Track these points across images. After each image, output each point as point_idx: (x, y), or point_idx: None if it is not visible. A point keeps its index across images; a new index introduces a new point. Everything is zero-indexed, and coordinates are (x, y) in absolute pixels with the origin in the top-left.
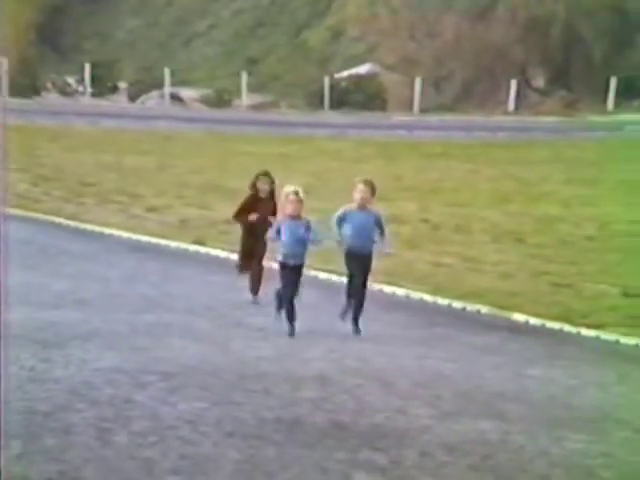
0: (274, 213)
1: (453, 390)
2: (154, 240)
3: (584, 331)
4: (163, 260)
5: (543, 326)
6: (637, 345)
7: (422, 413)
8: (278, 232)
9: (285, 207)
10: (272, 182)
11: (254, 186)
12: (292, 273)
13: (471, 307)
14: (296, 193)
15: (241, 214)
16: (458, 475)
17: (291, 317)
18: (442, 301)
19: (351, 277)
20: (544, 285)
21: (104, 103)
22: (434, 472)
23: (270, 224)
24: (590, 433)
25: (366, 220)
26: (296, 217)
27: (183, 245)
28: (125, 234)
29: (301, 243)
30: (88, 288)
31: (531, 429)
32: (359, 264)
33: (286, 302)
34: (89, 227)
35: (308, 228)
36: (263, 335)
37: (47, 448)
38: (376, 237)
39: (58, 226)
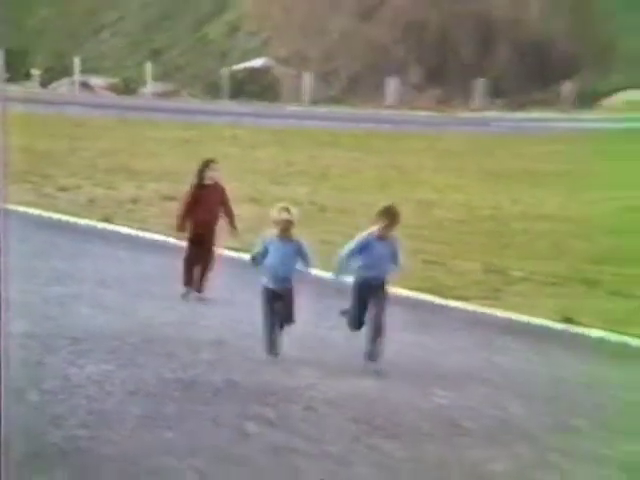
0: (222, 202)
1: (337, 354)
2: (64, 218)
3: (452, 303)
4: (73, 237)
5: (416, 298)
6: (497, 315)
7: (307, 373)
8: (264, 254)
9: (274, 225)
10: (213, 165)
11: (200, 174)
12: (275, 298)
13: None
14: (287, 211)
15: (187, 212)
16: (338, 426)
17: (272, 348)
18: (328, 275)
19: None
20: (419, 262)
21: (17, 89)
22: (317, 424)
23: (216, 218)
24: (455, 390)
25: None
26: (286, 238)
27: (92, 223)
28: (36, 211)
29: (289, 265)
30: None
31: (405, 387)
32: (373, 292)
33: (268, 331)
34: (6, 205)
35: (299, 248)
36: (167, 304)
37: None
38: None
39: None
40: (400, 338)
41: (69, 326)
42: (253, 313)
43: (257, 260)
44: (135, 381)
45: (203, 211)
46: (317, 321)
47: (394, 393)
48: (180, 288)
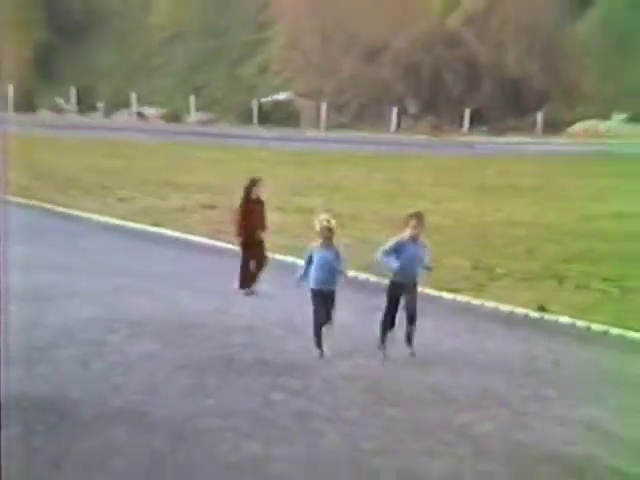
0: (263, 216)
1: (349, 336)
2: (122, 223)
3: (445, 294)
4: (128, 238)
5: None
6: (483, 305)
7: (326, 353)
8: (309, 261)
9: (318, 233)
10: (259, 185)
11: (248, 191)
12: (323, 300)
13: (364, 276)
14: (328, 221)
15: (243, 224)
16: (351, 395)
17: (319, 343)
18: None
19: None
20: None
21: (85, 119)
22: (333, 393)
23: (263, 227)
24: (448, 367)
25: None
26: (328, 245)
27: (144, 227)
28: (101, 218)
29: (331, 270)
30: (70, 257)
31: (406, 366)
32: (407, 293)
33: (316, 327)
34: (74, 212)
35: (337, 255)
36: (207, 296)
37: (41, 374)
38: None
39: (50, 211)
40: (398, 326)
41: (126, 312)
42: (278, 304)
43: (304, 270)
44: (180, 358)
45: (252, 221)
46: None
47: (397, 370)
48: (218, 282)
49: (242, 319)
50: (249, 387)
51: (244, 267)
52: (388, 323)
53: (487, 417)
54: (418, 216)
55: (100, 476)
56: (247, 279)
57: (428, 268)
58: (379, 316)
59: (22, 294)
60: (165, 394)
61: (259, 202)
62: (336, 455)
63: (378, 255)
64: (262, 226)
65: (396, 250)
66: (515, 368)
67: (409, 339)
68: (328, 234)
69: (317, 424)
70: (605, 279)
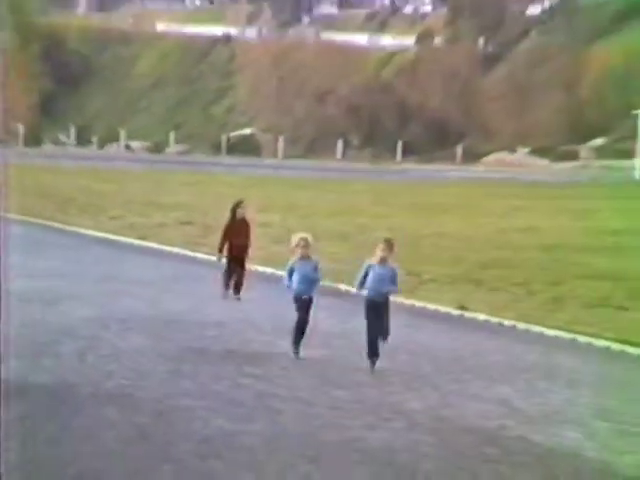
0: (248, 233)
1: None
2: (113, 237)
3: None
4: (118, 250)
5: (357, 293)
6: (414, 304)
7: (283, 344)
8: (290, 274)
9: (295, 251)
10: (242, 205)
11: (233, 212)
12: (303, 305)
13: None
14: (305, 240)
15: (225, 239)
16: (302, 378)
17: (297, 341)
18: (268, 269)
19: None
20: (358, 267)
21: (82, 150)
22: (288, 378)
23: (247, 246)
24: (385, 355)
25: (387, 272)
26: (306, 258)
27: (131, 240)
28: (95, 232)
29: (310, 280)
30: (69, 266)
31: (351, 354)
32: (377, 310)
33: (297, 329)
34: (72, 228)
35: (316, 268)
36: (182, 298)
37: (43, 366)
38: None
39: (50, 227)
40: (344, 322)
41: (116, 311)
42: (242, 305)
43: (288, 281)
44: (161, 349)
45: (236, 238)
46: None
47: (343, 359)
48: (193, 286)
49: (213, 317)
50: (218, 373)
51: (226, 275)
52: (370, 338)
53: (418, 397)
54: (388, 242)
55: (94, 447)
56: (229, 286)
57: (392, 290)
58: (326, 313)
59: (27, 297)
60: (148, 379)
61: (244, 221)
62: (291, 430)
63: (355, 288)
64: (246, 243)
65: (366, 273)
66: (440, 356)
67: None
68: (305, 250)
69: (275, 403)
70: (514, 283)
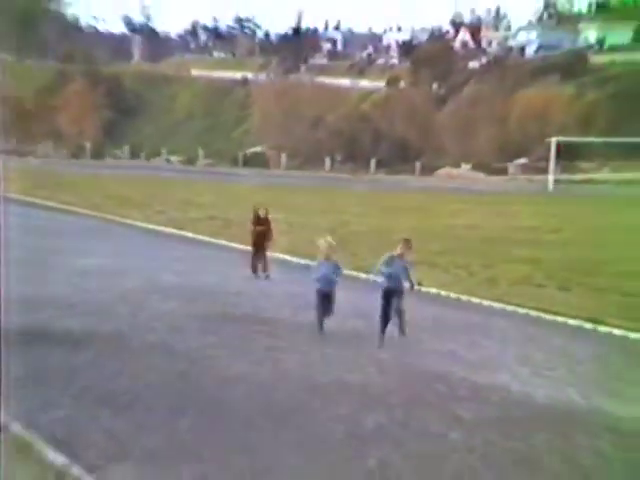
0: (269, 227)
1: (295, 301)
2: (158, 227)
3: (362, 275)
4: (161, 237)
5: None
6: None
7: (286, 311)
8: (317, 270)
9: (321, 252)
10: (266, 210)
11: (256, 212)
12: (324, 298)
13: (293, 259)
14: (329, 243)
15: (253, 232)
16: (300, 337)
17: (321, 327)
18: (276, 254)
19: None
20: (340, 253)
21: (135, 163)
22: (289, 333)
23: (268, 236)
24: (340, 315)
25: (401, 266)
26: (328, 259)
27: (171, 230)
28: (143, 224)
29: (329, 280)
30: (124, 249)
31: (335, 318)
32: (394, 295)
33: (319, 317)
34: (126, 221)
35: (337, 267)
36: (210, 274)
37: (106, 321)
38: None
39: (112, 220)
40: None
41: (159, 283)
42: (260, 283)
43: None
44: (193, 312)
45: (259, 231)
46: (293, 285)
47: (333, 321)
48: (218, 266)
49: (233, 289)
50: (236, 331)
51: (254, 259)
52: (384, 319)
53: (387, 350)
54: (407, 241)
55: (142, 382)
56: (255, 268)
57: (411, 283)
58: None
59: (94, 271)
60: (183, 334)
61: (266, 220)
62: (291, 373)
63: (375, 269)
64: (268, 237)
65: (387, 263)
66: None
67: (401, 329)
68: (328, 252)
69: (278, 354)
70: (459, 266)
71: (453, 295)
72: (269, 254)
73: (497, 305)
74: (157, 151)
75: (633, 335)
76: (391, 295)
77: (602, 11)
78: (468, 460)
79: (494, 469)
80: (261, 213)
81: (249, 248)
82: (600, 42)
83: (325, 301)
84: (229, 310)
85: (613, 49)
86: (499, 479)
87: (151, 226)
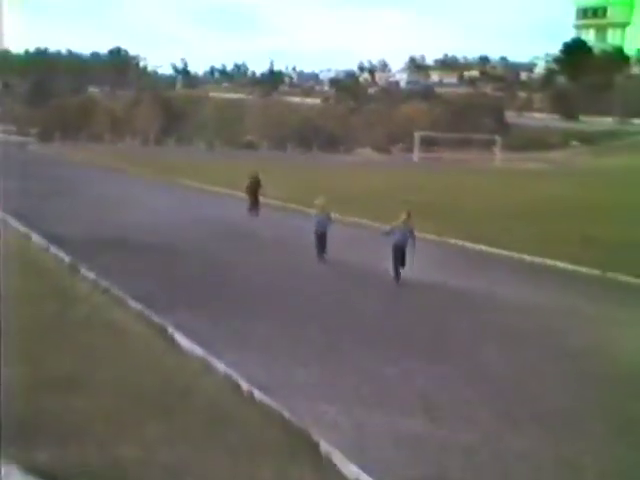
0: (259, 183)
1: (272, 227)
2: (194, 185)
3: (349, 218)
4: (197, 192)
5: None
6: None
7: (268, 233)
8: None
9: (317, 207)
10: (257, 173)
11: (250, 173)
12: (321, 237)
13: (270, 201)
14: (322, 202)
15: (247, 187)
16: (272, 244)
17: (319, 252)
18: (273, 201)
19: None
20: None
21: (178, 147)
22: (269, 246)
23: (258, 188)
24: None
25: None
26: (323, 212)
27: (201, 185)
28: (188, 183)
29: (323, 224)
30: (175, 197)
31: (299, 235)
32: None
33: (318, 251)
34: (179, 181)
35: (327, 217)
36: (221, 210)
37: (162, 237)
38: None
39: (168, 181)
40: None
41: (195, 217)
42: (263, 222)
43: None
44: (212, 232)
45: (252, 186)
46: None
47: (297, 239)
48: (228, 207)
49: (234, 220)
50: (236, 243)
51: (250, 204)
52: (396, 265)
53: (349, 254)
54: (408, 213)
55: (185, 272)
56: (252, 209)
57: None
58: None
59: (157, 210)
60: (208, 246)
61: (257, 178)
62: (270, 260)
63: (382, 233)
64: (258, 189)
65: (392, 231)
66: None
67: (399, 272)
68: (321, 207)
69: (263, 251)
70: (366, 208)
71: (363, 222)
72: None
73: (377, 224)
74: (191, 141)
75: (453, 241)
76: (398, 250)
77: (442, 64)
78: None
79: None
80: (253, 174)
81: (245, 196)
82: (441, 82)
83: (322, 239)
84: (231, 231)
85: (436, 86)
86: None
87: (192, 184)
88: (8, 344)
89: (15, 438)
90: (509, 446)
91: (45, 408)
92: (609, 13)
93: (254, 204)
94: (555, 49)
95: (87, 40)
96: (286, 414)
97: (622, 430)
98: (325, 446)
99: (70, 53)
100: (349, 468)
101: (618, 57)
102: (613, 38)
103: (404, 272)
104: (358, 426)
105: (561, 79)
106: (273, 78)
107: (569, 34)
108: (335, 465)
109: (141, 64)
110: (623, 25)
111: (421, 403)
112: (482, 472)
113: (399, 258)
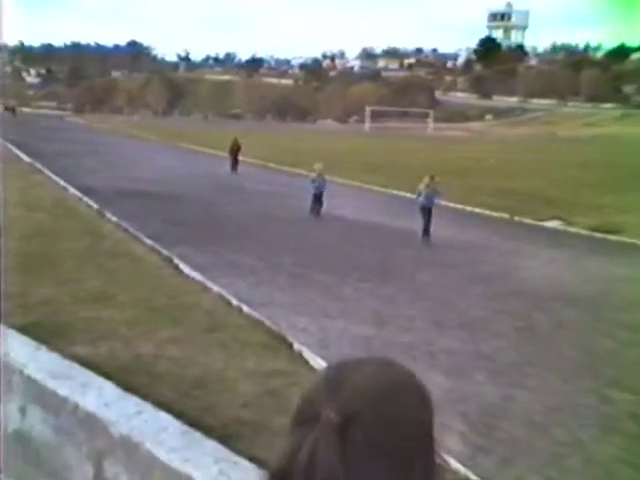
0: (239, 146)
1: (251, 182)
2: (192, 147)
3: (352, 183)
4: (194, 153)
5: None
6: (372, 188)
7: (249, 185)
8: (312, 181)
9: (315, 171)
10: (237, 140)
11: (233, 139)
12: (317, 197)
13: (267, 164)
14: (320, 167)
15: (230, 149)
16: (259, 194)
17: (317, 213)
18: (256, 161)
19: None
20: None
21: (181, 118)
22: (255, 194)
23: (238, 150)
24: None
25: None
26: (320, 176)
27: (203, 149)
28: (187, 146)
29: (321, 186)
30: (176, 158)
31: (287, 191)
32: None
33: (313, 210)
34: (182, 144)
35: (323, 179)
36: (212, 169)
37: (177, 189)
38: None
39: (171, 144)
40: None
41: (191, 172)
42: (242, 175)
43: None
44: (210, 185)
45: (233, 148)
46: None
47: (287, 197)
48: (213, 165)
49: (227, 178)
50: (231, 195)
51: (232, 163)
52: (424, 224)
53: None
54: (431, 176)
55: (186, 216)
56: (233, 168)
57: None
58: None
59: (162, 167)
60: (209, 195)
61: (237, 142)
62: (252, 207)
63: (416, 195)
64: (238, 151)
65: (420, 192)
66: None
67: (427, 232)
68: (318, 171)
69: (243, 198)
70: (331, 167)
71: (335, 179)
72: (240, 159)
73: (341, 180)
74: (190, 113)
75: (395, 192)
76: (425, 210)
77: (387, 54)
78: None
79: None
80: (234, 140)
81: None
82: (386, 67)
83: (319, 198)
84: (222, 185)
85: (382, 71)
86: None
87: (191, 147)
88: (55, 269)
89: (61, 338)
90: (439, 345)
91: (82, 317)
92: (513, 18)
93: (234, 164)
94: (473, 43)
95: (110, 34)
96: (267, 322)
97: (525, 332)
98: (297, 345)
99: (97, 45)
100: (316, 360)
101: (520, 52)
102: (516, 37)
103: (355, 214)
104: (322, 331)
105: (478, 67)
106: (255, 63)
107: (483, 32)
108: (305, 359)
109: (152, 53)
110: (524, 28)
111: (371, 314)
112: (418, 363)
113: (426, 217)
